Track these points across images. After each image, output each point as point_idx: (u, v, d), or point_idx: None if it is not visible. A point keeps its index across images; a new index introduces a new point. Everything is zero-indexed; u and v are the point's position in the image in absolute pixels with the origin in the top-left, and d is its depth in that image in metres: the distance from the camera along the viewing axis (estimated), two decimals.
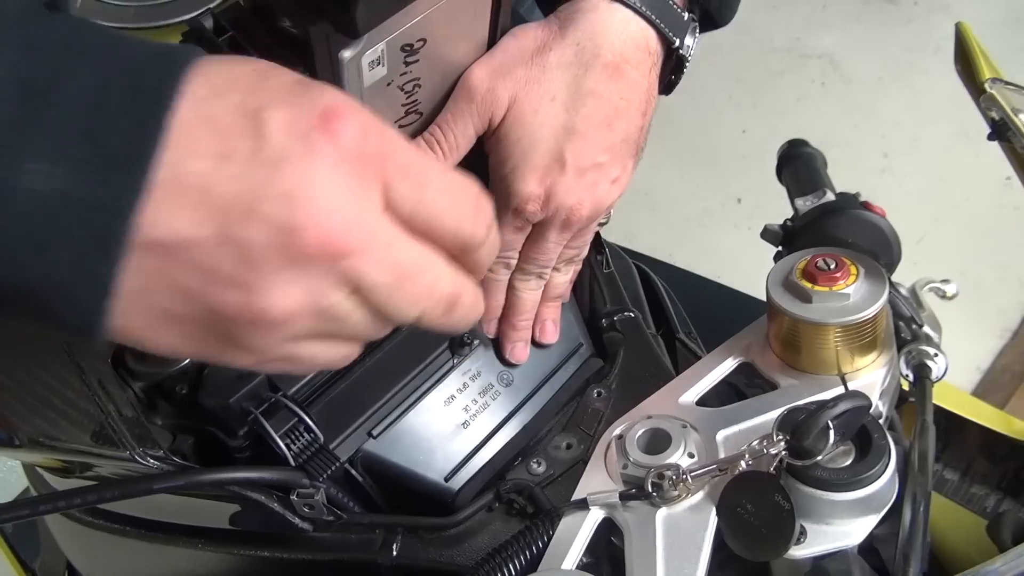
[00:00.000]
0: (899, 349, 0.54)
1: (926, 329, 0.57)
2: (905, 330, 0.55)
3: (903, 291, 0.58)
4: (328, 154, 0.27)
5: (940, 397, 0.82)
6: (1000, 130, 0.42)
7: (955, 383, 0.68)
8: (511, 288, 0.56)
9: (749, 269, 0.79)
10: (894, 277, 0.60)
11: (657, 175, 1.91)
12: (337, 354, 0.33)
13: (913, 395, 0.51)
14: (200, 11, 0.55)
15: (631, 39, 0.50)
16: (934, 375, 0.52)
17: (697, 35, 0.52)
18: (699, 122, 1.98)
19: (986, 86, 0.42)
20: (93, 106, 0.25)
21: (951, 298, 0.65)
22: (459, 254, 0.32)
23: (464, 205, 0.32)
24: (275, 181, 0.26)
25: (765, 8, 2.13)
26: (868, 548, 0.42)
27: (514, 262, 0.55)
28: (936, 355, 0.53)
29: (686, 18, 0.52)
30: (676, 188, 1.90)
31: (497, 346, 0.57)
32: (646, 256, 0.89)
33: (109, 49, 0.26)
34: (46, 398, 0.45)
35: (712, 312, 0.82)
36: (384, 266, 0.29)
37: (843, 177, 0.66)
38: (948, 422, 0.72)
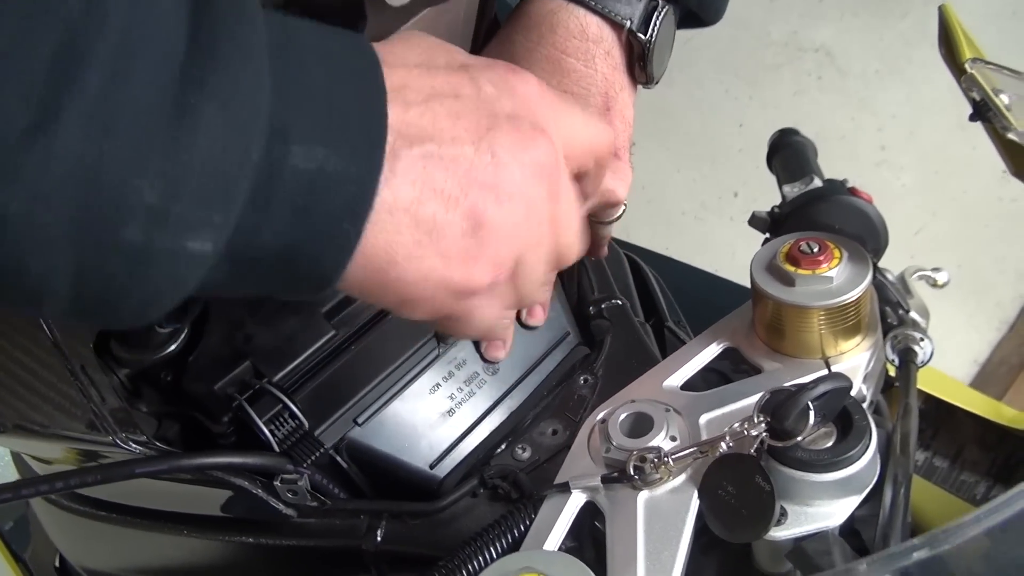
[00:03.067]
0: (885, 334, 0.54)
1: (913, 314, 0.57)
2: (892, 315, 0.55)
3: (890, 277, 0.58)
4: (523, 91, 0.35)
5: (931, 385, 0.82)
6: (981, 110, 0.42)
7: (952, 376, 0.68)
8: None
9: (745, 262, 0.79)
10: (886, 264, 0.60)
11: (654, 169, 1.91)
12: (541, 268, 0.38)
13: (901, 380, 0.51)
14: None
15: (566, 29, 0.48)
16: (919, 359, 0.52)
17: (662, 18, 0.49)
18: (696, 116, 1.98)
19: (966, 66, 0.42)
20: (328, 96, 0.29)
21: (942, 286, 0.65)
22: (596, 169, 0.41)
23: (599, 125, 0.41)
24: (500, 109, 0.34)
25: (761, 1, 2.13)
26: (849, 530, 0.42)
27: None
28: (922, 340, 0.53)
29: (645, 4, 0.49)
30: (673, 182, 1.90)
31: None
32: (639, 247, 0.89)
33: (322, 42, 0.30)
34: (29, 383, 0.45)
35: (705, 302, 0.81)
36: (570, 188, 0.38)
37: (840, 170, 0.66)
38: (939, 410, 0.72)
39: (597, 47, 0.48)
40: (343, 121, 0.29)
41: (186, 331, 0.52)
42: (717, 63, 2.03)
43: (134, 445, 0.46)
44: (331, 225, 0.29)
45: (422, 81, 0.33)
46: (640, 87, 0.54)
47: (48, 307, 0.27)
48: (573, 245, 0.40)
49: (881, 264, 0.61)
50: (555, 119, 0.36)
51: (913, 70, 2.00)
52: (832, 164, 0.66)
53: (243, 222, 0.28)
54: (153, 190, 0.25)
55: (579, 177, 0.42)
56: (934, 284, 0.64)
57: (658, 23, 0.48)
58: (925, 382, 0.81)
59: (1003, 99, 0.41)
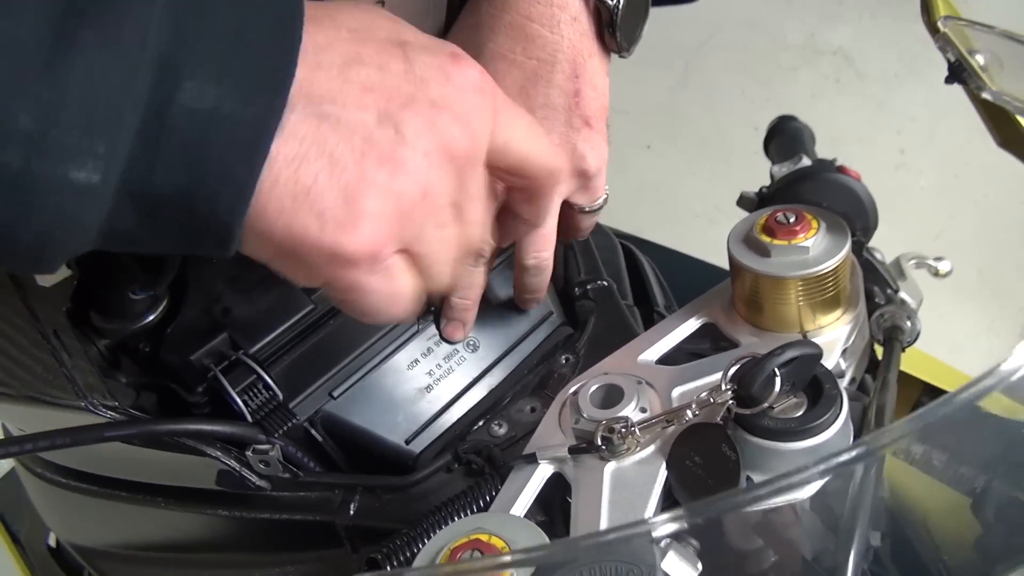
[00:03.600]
0: (872, 313, 0.52)
1: (903, 295, 0.55)
2: (879, 295, 0.54)
3: (879, 256, 0.57)
4: (458, 81, 0.34)
5: (934, 376, 0.81)
6: (956, 72, 0.41)
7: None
8: None
9: None
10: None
11: (667, 171, 1.90)
12: (443, 255, 0.37)
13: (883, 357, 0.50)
14: None
15: (539, 6, 0.47)
16: (905, 337, 0.51)
17: None
18: (710, 118, 1.96)
19: (939, 24, 0.41)
20: (235, 37, 0.29)
21: (944, 275, 0.63)
22: (535, 190, 0.41)
23: (545, 143, 0.40)
24: (423, 91, 0.33)
25: (778, 3, 2.11)
26: (821, 503, 0.41)
27: None
28: (910, 319, 0.52)
29: None
30: (687, 184, 1.88)
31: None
32: (639, 238, 0.88)
33: None
34: (5, 348, 0.46)
35: (702, 290, 0.80)
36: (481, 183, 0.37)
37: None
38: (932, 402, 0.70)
39: (563, 12, 0.47)
40: (245, 64, 0.29)
41: (165, 302, 0.53)
42: (733, 65, 2.02)
43: (105, 410, 0.46)
44: (226, 166, 0.29)
45: (347, 47, 0.32)
46: (615, 56, 0.53)
47: None
48: (482, 239, 0.39)
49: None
50: (490, 119, 0.35)
51: (933, 72, 1.96)
52: (849, 166, 0.64)
53: (135, 158, 0.28)
54: (29, 115, 0.25)
55: (511, 191, 0.42)
56: (935, 273, 0.63)
57: None
58: (930, 374, 0.79)
59: (978, 59, 0.40)
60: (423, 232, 0.35)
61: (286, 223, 0.32)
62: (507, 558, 0.28)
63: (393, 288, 0.35)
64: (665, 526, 0.26)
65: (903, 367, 0.53)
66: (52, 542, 0.78)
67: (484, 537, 0.34)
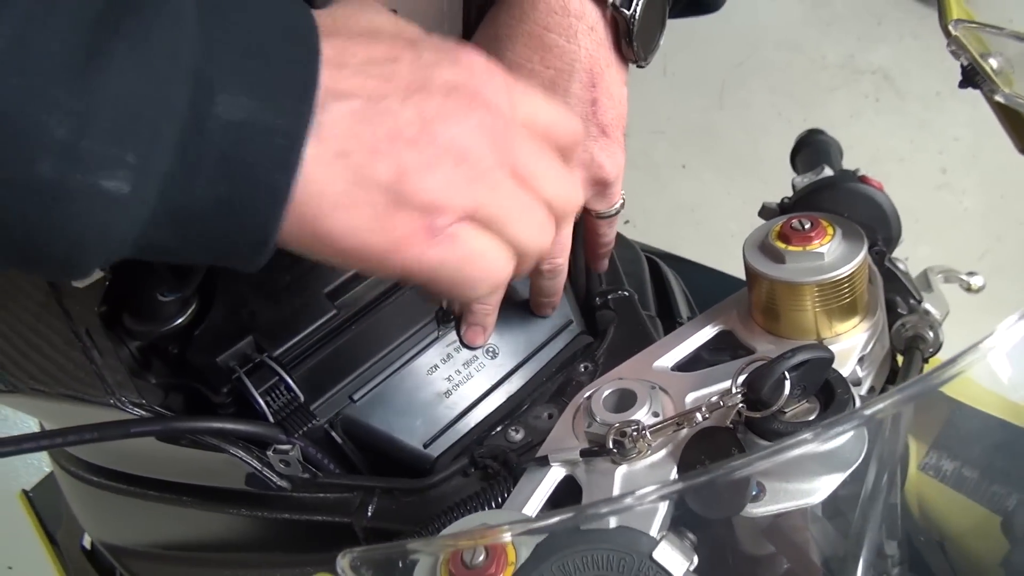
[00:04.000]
0: (893, 323, 0.52)
1: (926, 305, 0.55)
2: (902, 305, 0.54)
3: (902, 266, 0.56)
4: (467, 63, 0.35)
5: (966, 394, 0.79)
6: (970, 76, 0.40)
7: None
8: None
9: None
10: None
11: (703, 191, 1.89)
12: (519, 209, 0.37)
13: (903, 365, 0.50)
14: None
15: (547, 5, 0.48)
16: (927, 349, 0.50)
17: None
18: (747, 138, 1.95)
19: (950, 28, 0.40)
20: (259, 50, 0.30)
21: (976, 291, 0.62)
22: (567, 154, 0.40)
23: (563, 107, 0.41)
24: (437, 73, 0.34)
25: (816, 25, 2.10)
26: (835, 511, 0.41)
27: None
28: (932, 329, 0.51)
29: None
30: (723, 204, 1.87)
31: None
32: (662, 251, 0.88)
33: (263, 3, 0.31)
34: (36, 344, 0.48)
35: None
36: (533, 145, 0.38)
37: (898, 193, 0.62)
38: (971, 419, 0.69)
39: (579, 22, 0.48)
40: (273, 76, 0.30)
41: (194, 305, 0.54)
42: (770, 85, 2.01)
43: (133, 407, 0.48)
44: (264, 174, 0.30)
45: (361, 48, 0.33)
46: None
47: None
48: (563, 192, 0.39)
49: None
50: (506, 94, 0.36)
51: (977, 92, 1.94)
52: (890, 187, 0.64)
53: (173, 171, 0.29)
54: (61, 126, 0.26)
55: None
56: (968, 288, 0.62)
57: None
58: (961, 393, 0.77)
59: (991, 62, 0.39)
60: (479, 195, 0.35)
61: (341, 218, 0.33)
62: (504, 527, 0.28)
63: (466, 251, 0.35)
64: (657, 502, 0.26)
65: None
66: (87, 544, 0.80)
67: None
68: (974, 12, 0.41)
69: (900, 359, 0.53)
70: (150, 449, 0.52)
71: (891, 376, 0.52)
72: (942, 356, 0.54)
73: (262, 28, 0.31)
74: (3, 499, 1.46)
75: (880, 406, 0.29)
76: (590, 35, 0.48)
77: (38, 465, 1.34)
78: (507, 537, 0.27)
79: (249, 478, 0.52)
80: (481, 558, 0.33)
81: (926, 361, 0.52)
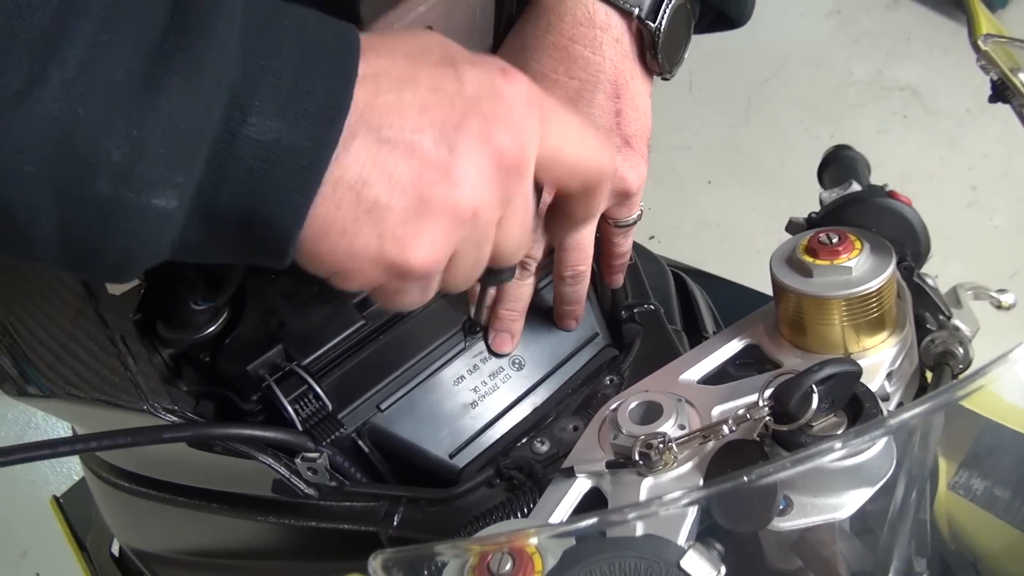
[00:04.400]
0: (922, 339, 0.51)
1: (956, 322, 0.54)
2: (931, 321, 0.53)
3: (931, 282, 0.56)
4: (508, 94, 0.36)
5: (995, 411, 0.78)
6: (1000, 91, 0.40)
7: None
8: None
9: None
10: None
11: (729, 206, 1.88)
12: (472, 265, 0.38)
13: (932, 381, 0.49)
14: None
15: (573, 17, 0.48)
16: (957, 365, 0.50)
17: (672, 6, 0.49)
18: (773, 154, 1.95)
19: (980, 43, 0.40)
20: (296, 73, 0.31)
21: (1007, 308, 0.61)
22: (587, 191, 0.41)
23: (595, 144, 0.40)
24: (475, 107, 0.35)
25: (844, 41, 2.10)
26: (864, 526, 0.40)
27: None
28: (962, 345, 0.51)
29: None
30: (748, 220, 1.86)
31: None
32: (688, 266, 0.88)
33: (302, 25, 0.32)
34: (72, 350, 0.49)
35: None
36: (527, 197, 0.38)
37: (927, 210, 0.62)
38: (1001, 437, 0.68)
39: (605, 34, 0.48)
40: (305, 99, 0.31)
41: (225, 315, 0.55)
42: (797, 102, 2.01)
43: (165, 413, 0.48)
44: (282, 192, 0.31)
45: (403, 71, 0.34)
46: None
47: (39, 252, 0.30)
48: (512, 251, 0.40)
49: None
50: (538, 127, 0.37)
51: (1007, 109, 1.92)
52: (919, 204, 0.63)
53: (205, 181, 0.31)
54: (119, 150, 0.28)
55: (562, 195, 0.43)
56: (999, 305, 0.61)
57: (667, 11, 0.48)
58: (989, 409, 0.76)
59: (1022, 77, 0.39)
60: (465, 245, 0.37)
61: (348, 242, 0.34)
62: (532, 530, 0.28)
63: (425, 293, 0.38)
64: (684, 508, 0.27)
65: (970, 405, 0.52)
66: (115, 550, 0.82)
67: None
68: (1004, 28, 0.40)
69: (929, 375, 0.52)
70: (180, 455, 0.53)
71: (920, 392, 0.52)
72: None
73: (302, 51, 0.32)
74: (33, 506, 1.49)
75: (906, 415, 0.28)
76: (615, 47, 0.49)
77: (67, 472, 1.36)
78: (533, 540, 0.27)
79: (276, 485, 0.53)
80: (508, 567, 0.33)
81: (955, 377, 0.51)
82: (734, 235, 1.85)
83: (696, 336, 0.69)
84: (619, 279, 0.62)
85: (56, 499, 0.92)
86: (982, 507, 0.68)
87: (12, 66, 0.27)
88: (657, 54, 0.49)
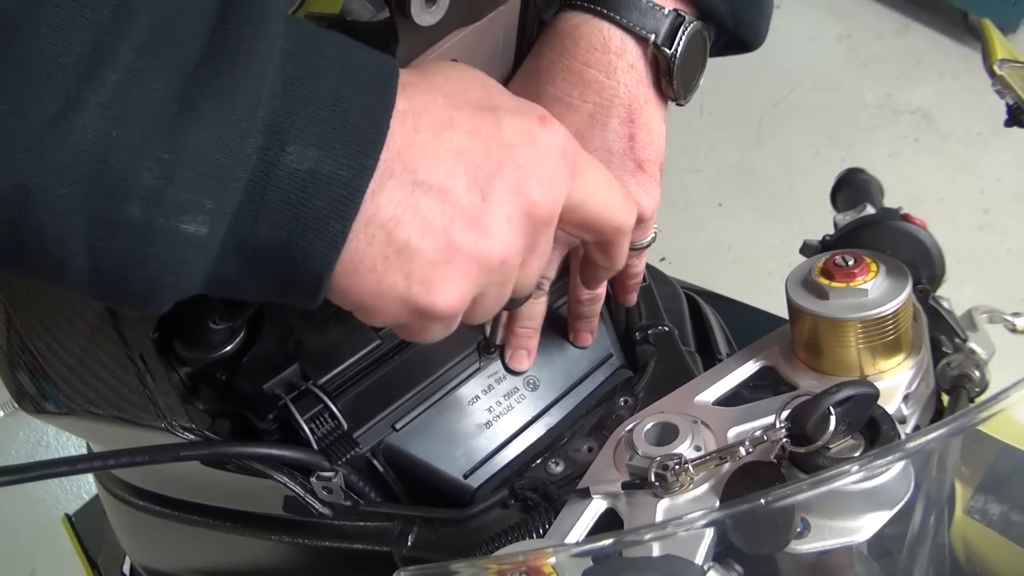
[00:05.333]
0: (938, 362, 0.51)
1: (971, 345, 0.54)
2: (947, 343, 0.53)
3: (946, 305, 0.56)
4: (544, 145, 0.36)
5: (1015, 436, 0.77)
6: (1016, 115, 0.40)
7: None
8: None
9: None
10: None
11: (740, 229, 1.88)
12: (494, 304, 0.39)
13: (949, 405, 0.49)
14: None
15: (588, 42, 0.49)
16: (973, 388, 0.50)
17: (688, 32, 0.49)
18: (784, 177, 1.95)
19: (995, 68, 0.41)
20: (335, 102, 0.32)
21: (1022, 331, 0.61)
22: (605, 242, 0.43)
23: (619, 201, 0.41)
24: (510, 156, 0.35)
25: (854, 65, 2.10)
26: (881, 550, 0.40)
27: None
28: (978, 368, 0.51)
29: (666, 12, 0.49)
30: (759, 242, 1.87)
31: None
32: (701, 288, 0.88)
33: (343, 54, 0.33)
34: (90, 367, 0.49)
35: None
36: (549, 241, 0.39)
37: (940, 233, 0.62)
38: (1018, 461, 0.67)
39: (619, 60, 0.49)
40: (342, 128, 0.31)
41: (242, 334, 0.56)
42: (807, 125, 2.01)
43: (183, 432, 0.49)
44: (321, 222, 0.32)
45: (442, 111, 0.35)
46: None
47: (71, 278, 0.30)
48: (531, 285, 0.41)
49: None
50: (568, 179, 0.37)
51: (1020, 133, 1.92)
52: (931, 227, 0.63)
53: (242, 210, 0.31)
54: (151, 174, 0.29)
55: (585, 242, 0.44)
56: (1013, 329, 0.61)
57: (684, 37, 0.48)
58: (1006, 433, 0.76)
59: None
60: (489, 288, 0.37)
61: (377, 280, 0.34)
62: (550, 550, 0.28)
63: (447, 330, 0.38)
64: (703, 526, 0.27)
65: (987, 429, 0.51)
66: (127, 569, 0.82)
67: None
68: (1018, 53, 0.41)
69: (945, 398, 0.52)
70: (193, 473, 0.53)
71: (936, 416, 0.52)
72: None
73: (340, 79, 0.32)
74: (42, 524, 1.49)
75: (924, 440, 0.28)
76: (630, 72, 0.49)
77: (76, 491, 1.36)
78: (552, 560, 0.27)
79: (287, 503, 0.53)
80: None
81: (971, 400, 0.51)
82: (745, 257, 1.85)
83: (710, 358, 0.69)
84: (632, 298, 0.62)
85: (68, 517, 0.92)
86: (998, 532, 0.67)
87: (49, 90, 0.27)
88: (672, 80, 0.49)
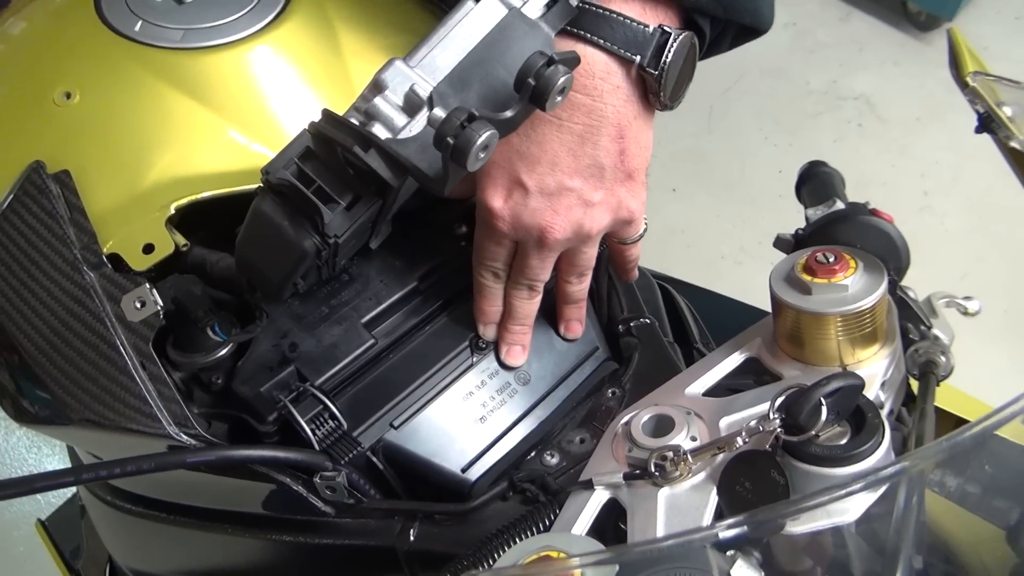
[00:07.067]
0: (907, 349, 0.55)
1: (936, 331, 0.58)
2: (913, 331, 0.57)
3: (912, 294, 0.59)
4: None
5: (971, 411, 0.82)
6: (986, 123, 0.43)
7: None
8: (506, 296, 0.58)
9: None
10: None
11: (693, 214, 1.93)
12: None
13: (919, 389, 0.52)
14: (245, 34, 0.60)
15: (587, 75, 0.49)
16: (940, 371, 0.53)
17: (674, 48, 0.49)
18: (735, 162, 2.00)
19: (968, 79, 0.44)
20: None
21: (973, 315, 0.65)
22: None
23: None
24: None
25: (800, 53, 2.16)
26: (866, 528, 0.43)
27: (501, 271, 0.57)
28: (943, 353, 0.54)
29: (650, 31, 0.49)
30: (712, 227, 1.91)
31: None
32: (671, 277, 0.91)
33: None
34: (95, 378, 0.49)
35: (736, 328, 0.83)
36: None
37: None
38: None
39: (604, 83, 0.50)
40: None
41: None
42: (757, 111, 2.06)
43: (187, 438, 0.49)
44: None
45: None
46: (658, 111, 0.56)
47: None
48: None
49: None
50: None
51: (956, 116, 2.00)
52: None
53: None
54: None
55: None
56: (965, 312, 0.65)
57: (670, 55, 0.49)
58: (962, 408, 0.81)
59: (1006, 111, 0.43)
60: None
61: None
62: (590, 559, 0.30)
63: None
64: (730, 531, 0.29)
65: (936, 402, 0.55)
66: (107, 572, 0.81)
67: (553, 554, 0.37)
68: (986, 63, 0.44)
69: (914, 383, 0.55)
70: (181, 476, 0.54)
71: (906, 399, 0.55)
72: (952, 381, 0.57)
73: None
74: (16, 534, 1.45)
75: (925, 458, 0.31)
76: (615, 93, 0.50)
77: (47, 496, 1.33)
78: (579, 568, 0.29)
79: (272, 499, 0.54)
80: None
81: (939, 384, 0.55)
82: (699, 241, 1.90)
83: (687, 347, 0.71)
84: (633, 275, 0.65)
85: (41, 523, 0.91)
86: (955, 503, 0.72)
87: None
88: (660, 95, 0.51)
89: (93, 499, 0.66)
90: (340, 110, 0.57)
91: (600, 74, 0.50)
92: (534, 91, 0.44)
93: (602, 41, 0.49)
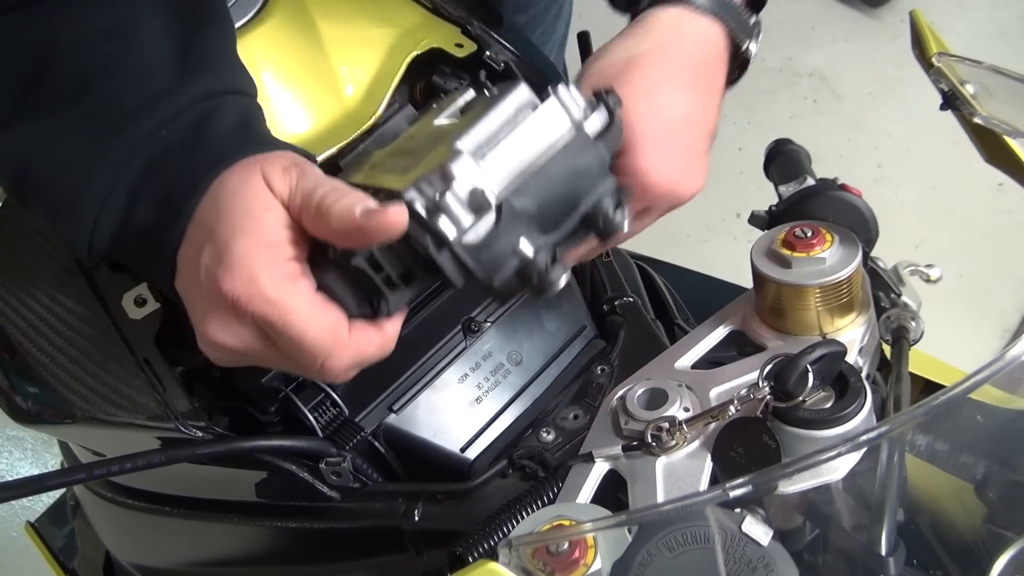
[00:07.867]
0: (880, 316, 0.58)
1: (905, 299, 0.61)
2: (885, 299, 0.60)
3: (881, 264, 0.62)
4: None
5: (935, 373, 0.86)
6: (950, 100, 0.46)
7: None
8: None
9: (749, 280, 0.84)
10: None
11: None
12: None
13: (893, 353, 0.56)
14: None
15: (710, 44, 0.54)
16: (911, 337, 0.57)
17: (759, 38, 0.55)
18: None
19: (933, 60, 0.46)
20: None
21: (935, 281, 0.69)
22: None
23: None
24: None
25: None
26: (852, 484, 0.46)
27: None
28: (913, 319, 0.57)
29: (752, 22, 0.55)
30: None
31: (506, 329, 0.61)
32: (646, 256, 0.93)
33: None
34: (99, 375, 0.50)
35: (708, 302, 0.86)
36: None
37: None
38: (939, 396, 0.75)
39: (723, 62, 0.55)
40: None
41: None
42: None
43: (194, 430, 0.50)
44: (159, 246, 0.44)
45: None
46: None
47: None
48: None
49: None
50: None
51: (906, 90, 2.06)
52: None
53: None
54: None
55: None
56: (927, 279, 0.68)
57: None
58: (927, 370, 0.85)
59: (968, 88, 0.45)
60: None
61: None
62: (622, 516, 0.32)
63: None
64: (738, 491, 0.31)
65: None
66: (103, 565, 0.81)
67: (567, 523, 0.39)
68: (947, 44, 0.47)
69: (886, 348, 0.59)
70: (190, 469, 0.55)
71: (880, 364, 0.58)
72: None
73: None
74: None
75: (905, 421, 0.34)
76: (724, 73, 0.58)
77: (33, 498, 1.31)
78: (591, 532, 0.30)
79: (265, 487, 0.55)
80: (565, 546, 0.37)
81: (910, 348, 0.58)
82: (664, 220, 1.92)
83: (667, 323, 0.74)
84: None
85: (31, 525, 0.90)
86: (925, 460, 0.76)
87: None
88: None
89: (92, 496, 0.66)
90: (326, 105, 0.58)
91: (724, 52, 0.56)
92: (602, 232, 0.45)
93: (731, 23, 0.55)
